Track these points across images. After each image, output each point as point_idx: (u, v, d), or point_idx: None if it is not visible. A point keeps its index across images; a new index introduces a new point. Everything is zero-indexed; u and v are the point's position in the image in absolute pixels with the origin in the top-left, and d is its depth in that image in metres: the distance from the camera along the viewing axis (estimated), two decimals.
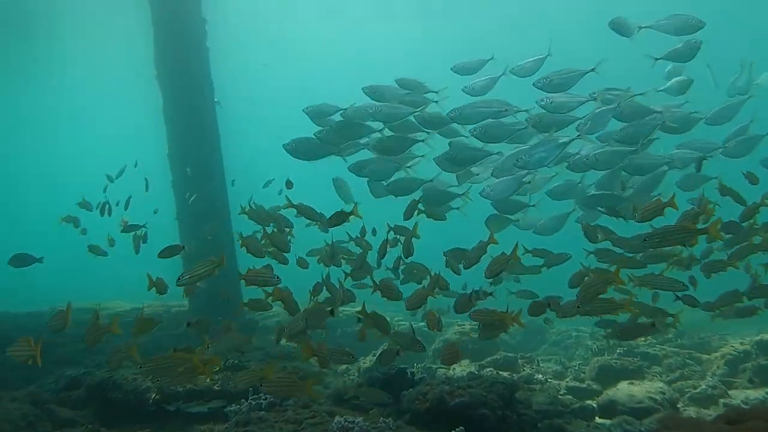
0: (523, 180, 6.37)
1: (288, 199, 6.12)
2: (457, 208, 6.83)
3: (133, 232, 7.72)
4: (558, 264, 6.63)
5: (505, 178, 6.29)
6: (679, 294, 5.62)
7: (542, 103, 6.10)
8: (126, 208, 9.21)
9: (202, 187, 10.06)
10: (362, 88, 6.64)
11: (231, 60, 18.19)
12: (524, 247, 6.81)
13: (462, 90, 6.59)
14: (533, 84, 6.20)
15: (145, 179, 10.08)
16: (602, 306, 4.72)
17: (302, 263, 6.20)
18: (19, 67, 21.59)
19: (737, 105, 6.70)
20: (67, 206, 9.85)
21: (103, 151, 36.90)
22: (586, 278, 4.71)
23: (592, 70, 6.14)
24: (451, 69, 6.68)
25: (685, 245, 4.92)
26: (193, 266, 4.26)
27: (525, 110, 6.31)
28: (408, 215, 6.46)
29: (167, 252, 6.78)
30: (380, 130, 6.61)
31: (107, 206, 9.09)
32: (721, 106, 6.70)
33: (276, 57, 30.19)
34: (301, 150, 6.60)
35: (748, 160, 6.67)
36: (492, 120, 6.23)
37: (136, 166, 10.43)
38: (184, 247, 6.83)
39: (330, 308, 4.62)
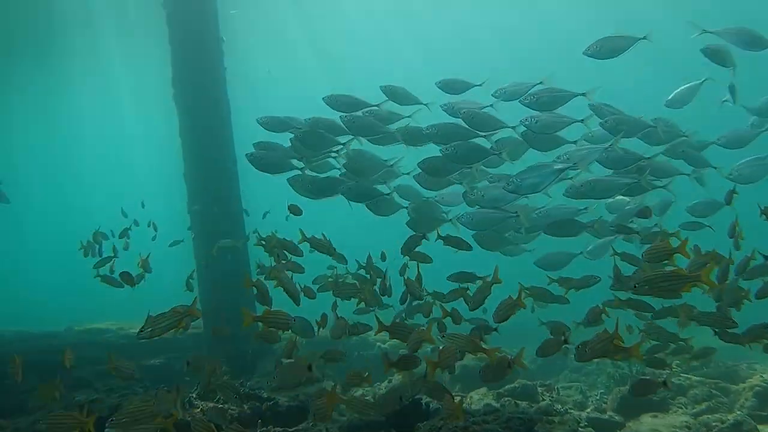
0: (507, 213, 6.05)
1: (301, 233, 6.02)
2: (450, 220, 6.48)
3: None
4: (586, 287, 6.37)
5: (488, 209, 6.02)
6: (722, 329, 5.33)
7: (527, 122, 5.82)
8: (121, 237, 9.30)
9: (217, 209, 10.06)
10: (323, 98, 6.30)
11: (249, 68, 18.11)
12: (549, 277, 6.57)
13: (440, 106, 6.24)
14: (520, 101, 5.90)
15: (153, 223, 10.17)
16: (614, 351, 4.50)
17: (309, 293, 6.04)
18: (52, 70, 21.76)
19: (755, 132, 6.40)
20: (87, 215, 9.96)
21: (128, 161, 37.60)
22: (598, 333, 4.43)
23: (583, 94, 5.92)
24: (436, 84, 6.37)
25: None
26: (156, 318, 3.93)
27: (512, 127, 6.04)
28: (408, 250, 6.12)
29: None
30: (346, 143, 6.31)
31: (100, 247, 9.15)
32: (737, 130, 6.43)
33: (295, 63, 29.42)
34: (263, 161, 6.30)
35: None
36: (463, 141, 5.91)
37: (143, 207, 10.85)
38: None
39: (308, 364, 4.39)
